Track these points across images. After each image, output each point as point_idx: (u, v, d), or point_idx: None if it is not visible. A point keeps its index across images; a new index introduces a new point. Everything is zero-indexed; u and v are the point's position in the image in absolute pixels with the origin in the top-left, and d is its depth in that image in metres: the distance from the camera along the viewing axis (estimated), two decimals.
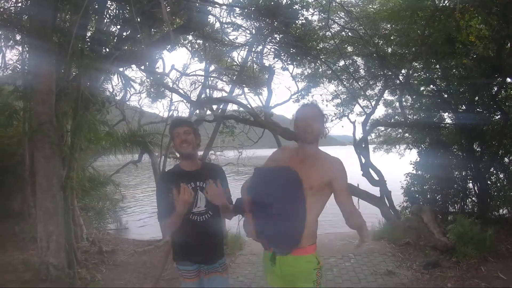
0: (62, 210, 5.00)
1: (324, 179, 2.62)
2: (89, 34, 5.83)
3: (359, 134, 9.36)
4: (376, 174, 8.52)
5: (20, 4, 6.20)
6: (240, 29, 8.00)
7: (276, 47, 8.57)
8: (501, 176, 9.37)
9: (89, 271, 6.16)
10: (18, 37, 6.68)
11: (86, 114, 5.28)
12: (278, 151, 3.09)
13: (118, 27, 5.80)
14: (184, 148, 3.02)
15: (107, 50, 5.62)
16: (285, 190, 2.61)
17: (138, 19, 4.82)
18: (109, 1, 5.53)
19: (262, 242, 2.73)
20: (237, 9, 7.15)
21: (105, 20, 5.69)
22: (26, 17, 5.93)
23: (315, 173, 2.63)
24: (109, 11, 5.75)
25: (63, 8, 5.38)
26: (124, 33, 5.78)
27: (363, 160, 8.70)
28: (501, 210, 9.16)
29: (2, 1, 6.28)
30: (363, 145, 9.08)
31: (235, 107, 10.42)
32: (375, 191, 8.38)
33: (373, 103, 10.30)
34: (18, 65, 7.54)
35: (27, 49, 6.54)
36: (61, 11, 5.43)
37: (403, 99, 10.96)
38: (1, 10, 6.17)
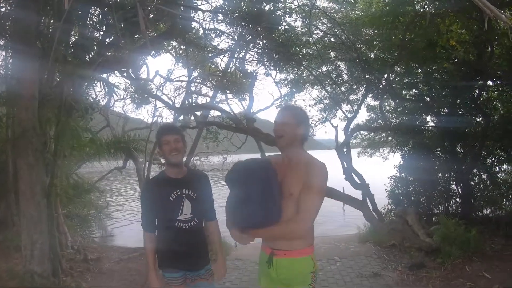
0: (46, 218, 4.94)
1: (302, 184, 2.53)
2: (72, 40, 5.80)
3: (342, 139, 9.45)
4: (358, 178, 8.59)
5: (3, 9, 6.13)
6: (223, 35, 8.03)
7: (259, 52, 8.62)
8: (484, 177, 9.50)
9: (74, 280, 6.09)
10: (1, 42, 6.60)
11: (69, 121, 5.24)
12: None
13: (101, 33, 5.78)
14: (174, 156, 3.01)
15: (91, 56, 5.59)
16: (256, 177, 2.55)
17: (121, 25, 4.82)
18: (92, 8, 5.50)
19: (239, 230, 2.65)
20: (220, 15, 7.18)
21: (88, 26, 5.66)
22: (9, 22, 5.87)
23: (295, 179, 2.56)
24: (93, 17, 5.73)
25: (46, 13, 5.35)
26: (107, 39, 5.75)
27: (345, 164, 8.77)
28: (484, 210, 9.29)
29: None
30: (345, 149, 9.15)
31: (218, 112, 10.43)
32: (359, 194, 8.47)
33: (356, 107, 10.42)
34: (1, 71, 7.44)
35: (10, 54, 6.47)
36: (45, 17, 5.39)
37: (386, 103, 11.13)
38: None
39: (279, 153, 2.80)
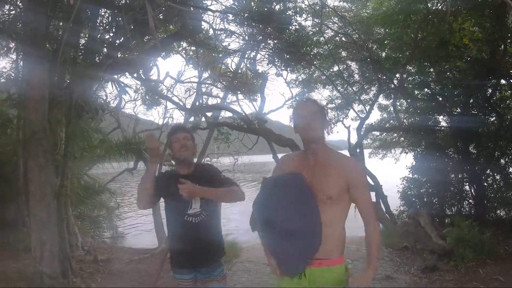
0: (56, 219, 4.98)
1: (341, 185, 2.35)
2: (82, 41, 5.82)
3: (354, 139, 9.41)
4: (371, 179, 8.53)
5: (13, 12, 6.17)
6: (233, 36, 8.04)
7: (269, 53, 8.60)
8: (498, 177, 9.43)
9: (84, 281, 6.12)
10: (11, 45, 6.65)
11: (79, 122, 5.27)
12: (284, 159, 2.81)
13: (111, 34, 5.79)
14: (183, 152, 3.09)
15: (100, 57, 5.62)
16: (294, 201, 2.35)
17: (131, 27, 4.82)
18: (101, 9, 5.52)
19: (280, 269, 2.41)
20: (231, 15, 7.17)
21: (98, 28, 5.68)
22: (19, 25, 5.92)
23: (331, 179, 2.36)
24: (102, 19, 5.74)
25: (56, 15, 5.37)
26: (117, 41, 5.77)
27: None
28: (498, 212, 9.20)
29: None
30: (358, 150, 9.10)
31: (229, 113, 10.43)
32: (372, 196, 8.39)
33: (368, 107, 10.37)
34: (12, 73, 7.49)
35: (20, 57, 6.52)
36: (54, 19, 5.43)
37: (398, 103, 11.04)
38: None
39: (290, 152, 2.73)
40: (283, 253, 2.37)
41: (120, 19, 5.30)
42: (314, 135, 2.44)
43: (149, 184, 3.03)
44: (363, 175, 2.49)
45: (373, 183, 8.50)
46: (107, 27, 5.66)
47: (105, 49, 5.71)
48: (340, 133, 18.88)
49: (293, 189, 2.38)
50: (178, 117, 16.45)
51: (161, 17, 5.30)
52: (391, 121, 12.28)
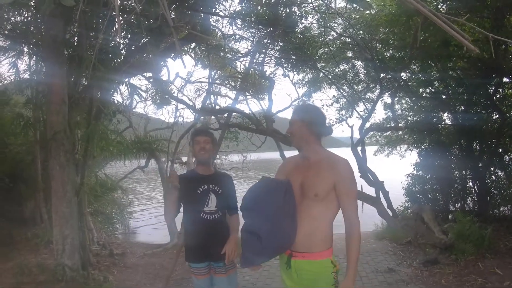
0: (76, 215, 5.25)
1: (328, 184, 2.47)
2: (99, 47, 6.05)
3: (357, 137, 9.63)
4: (371, 175, 8.72)
5: (30, 19, 6.40)
6: (241, 40, 8.25)
7: (276, 55, 8.82)
8: (501, 174, 9.46)
9: (101, 273, 6.38)
10: (30, 51, 6.87)
11: (99, 124, 5.53)
12: (284, 162, 3.02)
13: (127, 40, 6.03)
14: (202, 155, 3.40)
15: (117, 62, 5.87)
16: (274, 206, 2.48)
17: (145, 33, 5.07)
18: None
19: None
20: (239, 20, 7.39)
21: (112, 35, 5.91)
22: (36, 31, 6.14)
23: (320, 179, 2.49)
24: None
25: (72, 23, 5.61)
26: (133, 47, 6.02)
27: (360, 163, 8.91)
28: (501, 208, 9.28)
29: (16, 16, 6.47)
30: (360, 148, 9.31)
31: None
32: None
33: (370, 107, 10.56)
34: (30, 77, 7.72)
35: (40, 62, 6.74)
36: (72, 26, 5.67)
37: (403, 101, 11.21)
38: (14, 23, 6.38)
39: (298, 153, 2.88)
40: (246, 246, 2.54)
41: (135, 26, 5.55)
42: (295, 143, 2.69)
43: (173, 201, 3.32)
44: (349, 173, 2.53)
45: (373, 179, 8.69)
46: (123, 33, 5.89)
47: (121, 54, 5.94)
48: (346, 131, 18.95)
49: (276, 194, 2.51)
50: (188, 116, 16.72)
51: (172, 23, 5.50)
52: (398, 119, 12.39)
